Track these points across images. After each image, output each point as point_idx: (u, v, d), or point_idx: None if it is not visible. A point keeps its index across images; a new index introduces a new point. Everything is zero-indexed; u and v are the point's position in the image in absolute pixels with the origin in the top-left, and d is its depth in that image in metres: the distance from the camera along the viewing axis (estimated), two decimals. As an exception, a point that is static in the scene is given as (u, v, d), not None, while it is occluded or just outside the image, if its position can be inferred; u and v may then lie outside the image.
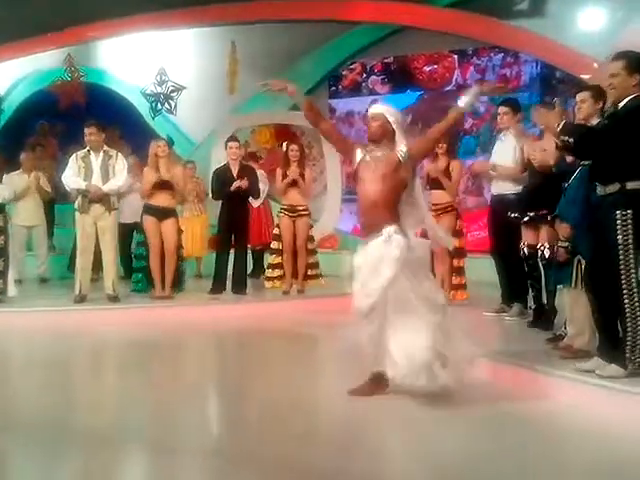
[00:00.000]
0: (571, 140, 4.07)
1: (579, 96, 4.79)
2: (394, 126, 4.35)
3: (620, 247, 4.01)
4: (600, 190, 4.15)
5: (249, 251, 8.26)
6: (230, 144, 7.79)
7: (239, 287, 7.75)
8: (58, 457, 3.55)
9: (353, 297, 4.25)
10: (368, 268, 4.21)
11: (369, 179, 4.31)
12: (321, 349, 6.27)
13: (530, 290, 6.04)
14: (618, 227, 4.01)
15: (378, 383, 4.30)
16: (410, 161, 4.33)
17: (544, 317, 5.74)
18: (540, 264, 5.67)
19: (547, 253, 5.41)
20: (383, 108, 4.47)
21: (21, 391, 4.85)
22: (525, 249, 5.87)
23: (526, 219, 5.76)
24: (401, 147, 4.32)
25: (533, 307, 5.99)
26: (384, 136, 4.35)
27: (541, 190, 5.49)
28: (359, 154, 4.41)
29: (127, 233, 8.45)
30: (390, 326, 4.13)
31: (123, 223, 8.26)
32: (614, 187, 4.06)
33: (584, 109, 4.74)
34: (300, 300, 7.76)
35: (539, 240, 5.60)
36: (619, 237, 4.01)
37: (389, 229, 4.20)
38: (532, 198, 5.71)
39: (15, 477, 3.48)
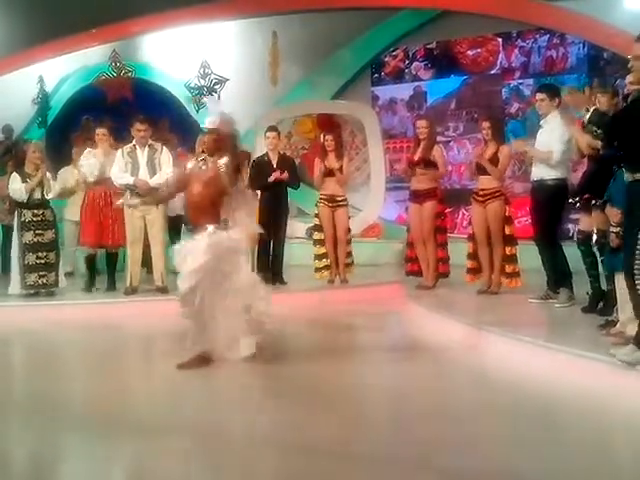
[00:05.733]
0: (600, 131, 3.98)
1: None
2: (228, 139, 4.79)
3: None
4: (628, 177, 4.06)
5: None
6: (268, 134, 7.81)
7: (278, 277, 7.79)
8: (110, 448, 3.63)
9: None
10: (190, 257, 4.68)
11: (196, 184, 4.81)
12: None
13: (588, 276, 5.92)
14: None
15: (203, 359, 4.82)
16: (230, 173, 4.80)
17: (603, 303, 5.59)
18: (595, 250, 5.58)
19: (596, 238, 5.32)
20: (218, 122, 4.89)
21: (74, 382, 4.97)
22: (577, 235, 5.78)
23: (577, 205, 5.66)
24: (223, 160, 4.77)
25: (590, 293, 5.87)
26: (218, 149, 4.83)
27: (590, 175, 5.41)
28: (190, 164, 5.05)
29: (176, 226, 8.42)
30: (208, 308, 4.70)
31: (171, 216, 8.35)
32: None
33: None
34: (348, 289, 7.79)
35: (591, 226, 5.50)
36: None
37: (210, 227, 4.70)
38: (582, 183, 5.62)
39: (70, 464, 3.57)
